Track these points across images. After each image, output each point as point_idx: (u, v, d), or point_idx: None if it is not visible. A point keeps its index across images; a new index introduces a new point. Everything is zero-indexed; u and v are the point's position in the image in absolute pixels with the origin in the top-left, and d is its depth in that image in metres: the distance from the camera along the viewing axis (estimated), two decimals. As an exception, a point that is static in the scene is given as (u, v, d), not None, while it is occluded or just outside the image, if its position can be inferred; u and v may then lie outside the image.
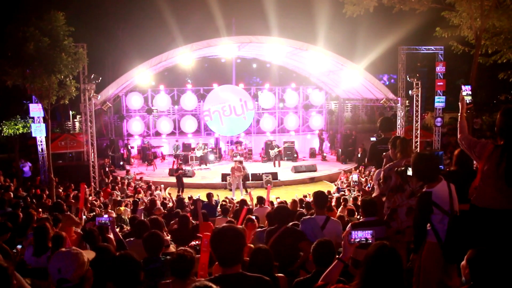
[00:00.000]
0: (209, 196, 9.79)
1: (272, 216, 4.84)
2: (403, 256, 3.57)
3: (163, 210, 8.37)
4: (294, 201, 8.33)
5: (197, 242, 5.10)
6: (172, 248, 4.92)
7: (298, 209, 7.51)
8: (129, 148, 19.92)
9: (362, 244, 2.62)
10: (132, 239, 4.61)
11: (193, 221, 6.16)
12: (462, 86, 3.71)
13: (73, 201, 9.43)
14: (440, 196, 3.24)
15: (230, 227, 2.38)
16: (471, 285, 2.27)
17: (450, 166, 4.04)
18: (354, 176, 7.28)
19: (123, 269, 2.42)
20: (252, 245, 3.96)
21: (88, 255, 2.30)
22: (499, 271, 2.20)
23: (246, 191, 13.87)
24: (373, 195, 4.92)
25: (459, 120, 3.57)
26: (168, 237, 5.47)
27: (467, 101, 3.66)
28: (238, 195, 13.96)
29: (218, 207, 9.62)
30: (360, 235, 2.60)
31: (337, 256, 2.69)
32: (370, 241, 2.54)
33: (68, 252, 2.21)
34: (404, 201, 4.07)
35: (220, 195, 12.20)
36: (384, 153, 4.75)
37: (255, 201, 8.96)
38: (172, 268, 2.96)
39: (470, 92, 3.69)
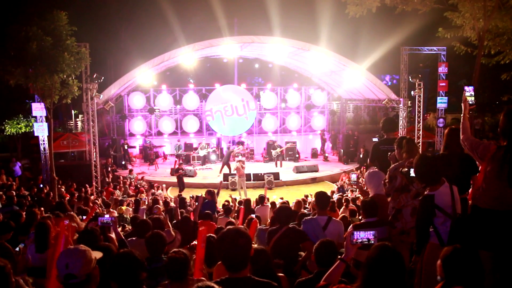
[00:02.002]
0: (210, 193, 9.66)
1: (273, 216, 4.84)
2: (405, 257, 3.56)
3: (162, 209, 8.38)
4: (298, 202, 8.35)
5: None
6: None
7: (301, 210, 7.50)
8: (126, 147, 19.63)
9: (364, 245, 2.60)
10: (134, 238, 4.62)
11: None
12: (465, 87, 3.69)
13: (76, 200, 9.46)
14: (443, 199, 3.21)
15: (238, 231, 2.22)
16: (444, 283, 2.27)
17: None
18: (353, 176, 7.29)
19: (125, 267, 2.42)
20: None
21: (96, 254, 2.33)
22: (470, 269, 2.19)
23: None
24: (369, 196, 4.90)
25: (461, 121, 3.55)
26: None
27: (470, 102, 3.65)
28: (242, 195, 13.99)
29: (220, 206, 9.59)
30: (362, 236, 2.58)
31: (339, 257, 2.68)
32: (372, 242, 2.53)
33: (76, 249, 2.26)
34: (409, 201, 4.05)
35: (223, 195, 12.16)
36: (390, 154, 4.73)
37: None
38: (166, 271, 2.96)
39: (473, 93, 3.67)
